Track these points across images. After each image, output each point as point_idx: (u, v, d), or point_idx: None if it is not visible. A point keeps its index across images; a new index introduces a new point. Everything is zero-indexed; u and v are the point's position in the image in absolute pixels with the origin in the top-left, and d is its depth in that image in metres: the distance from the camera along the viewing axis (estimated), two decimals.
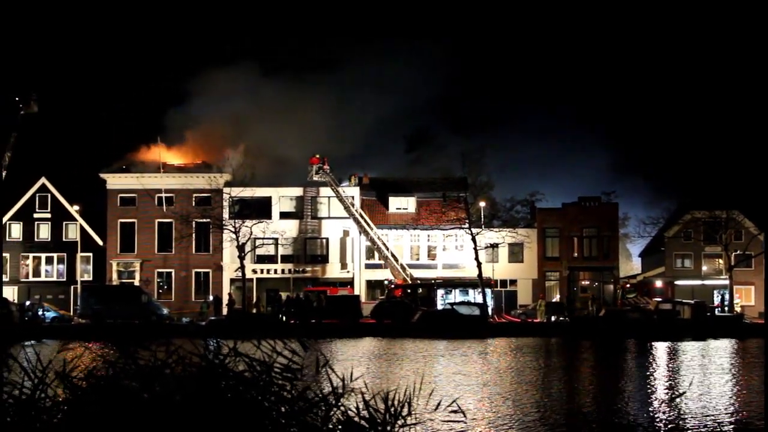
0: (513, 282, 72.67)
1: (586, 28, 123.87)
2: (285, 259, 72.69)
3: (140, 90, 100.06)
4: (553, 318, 63.85)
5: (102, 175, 73.20)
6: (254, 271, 70.83)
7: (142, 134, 77.21)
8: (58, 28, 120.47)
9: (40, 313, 61.66)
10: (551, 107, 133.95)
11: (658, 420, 23.22)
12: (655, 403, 26.56)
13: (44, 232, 73.05)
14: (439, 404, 8.16)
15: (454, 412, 7.97)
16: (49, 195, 72.96)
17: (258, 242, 69.41)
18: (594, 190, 77.27)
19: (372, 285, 72.36)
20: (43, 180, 72.96)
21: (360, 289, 70.69)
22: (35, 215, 72.89)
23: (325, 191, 72.13)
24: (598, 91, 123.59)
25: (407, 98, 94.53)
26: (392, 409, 6.45)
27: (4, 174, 67.55)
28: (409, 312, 59.52)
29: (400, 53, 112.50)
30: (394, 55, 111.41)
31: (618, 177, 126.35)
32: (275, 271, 72.40)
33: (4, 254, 72.27)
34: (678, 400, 26.19)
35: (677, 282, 72.03)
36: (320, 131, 77.00)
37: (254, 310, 64.88)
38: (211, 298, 68.78)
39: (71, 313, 66.47)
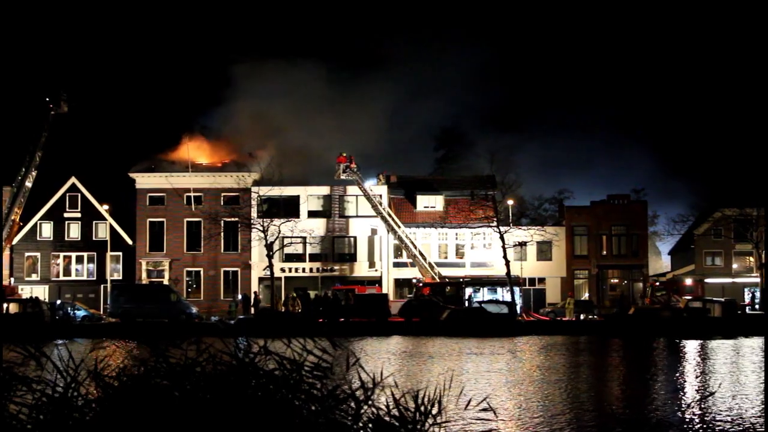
0: (541, 280, 72.47)
1: (611, 26, 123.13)
2: (313, 257, 72.85)
3: (173, 89, 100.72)
4: (581, 316, 63.60)
5: (131, 175, 73.67)
6: (282, 270, 71.02)
7: (172, 134, 77.64)
8: (88, 29, 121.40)
9: (70, 312, 62.08)
10: (579, 105, 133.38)
11: (687, 419, 23.06)
12: (685, 403, 26.36)
13: (74, 231, 73.62)
14: (469, 403, 8.14)
15: (485, 410, 7.94)
16: (79, 194, 73.53)
17: (286, 241, 69.51)
18: (623, 188, 76.94)
19: (400, 283, 72.40)
20: (73, 180, 73.57)
21: (388, 288, 70.72)
22: (65, 215, 73.48)
23: (352, 190, 72.17)
24: (628, 89, 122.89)
25: (438, 97, 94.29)
26: (422, 408, 6.44)
27: (34, 174, 68.11)
28: (438, 310, 59.40)
29: (431, 52, 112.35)
30: (425, 53, 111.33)
31: (647, 175, 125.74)
32: (303, 270, 72.57)
33: (35, 254, 73.04)
34: (708, 399, 25.98)
35: (707, 280, 71.52)
36: (351, 130, 76.90)
37: (283, 308, 64.98)
38: (239, 296, 69.03)
39: (101, 312, 66.89)
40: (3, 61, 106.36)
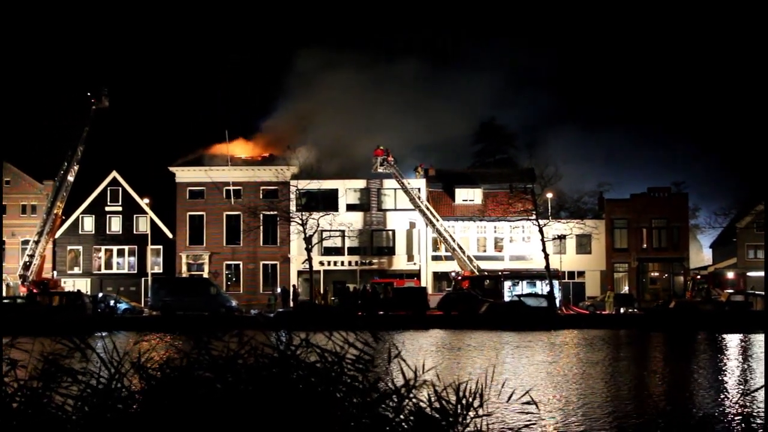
0: (581, 273, 72.09)
1: (648, 17, 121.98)
2: (352, 251, 72.97)
3: (212, 83, 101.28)
4: (621, 310, 63.18)
5: (171, 169, 74.21)
6: (321, 264, 71.20)
7: (212, 128, 78.03)
8: (130, 23, 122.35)
9: (112, 304, 62.64)
10: (619, 97, 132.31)
11: (731, 414, 22.82)
12: (729, 397, 26.09)
13: (115, 225, 74.34)
14: (511, 396, 8.10)
15: (527, 403, 7.90)
16: (120, 188, 74.22)
17: (325, 234, 69.63)
18: (663, 181, 76.23)
19: (438, 277, 72.37)
20: (114, 174, 74.27)
21: (426, 281, 70.70)
22: (107, 208, 74.22)
23: (390, 183, 72.15)
24: (669, 81, 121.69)
25: (477, 90, 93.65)
26: (464, 401, 6.42)
27: (76, 168, 68.86)
28: (477, 304, 59.31)
29: (476, 47, 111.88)
30: (463, 47, 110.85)
31: (688, 167, 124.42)
32: (342, 263, 72.72)
33: (77, 247, 73.85)
34: (752, 394, 25.69)
35: (749, 273, 70.71)
36: (388, 123, 76.74)
37: (322, 302, 65.17)
38: (279, 290, 69.30)
39: (142, 305, 67.48)
40: (46, 58, 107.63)
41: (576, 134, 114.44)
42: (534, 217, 65.21)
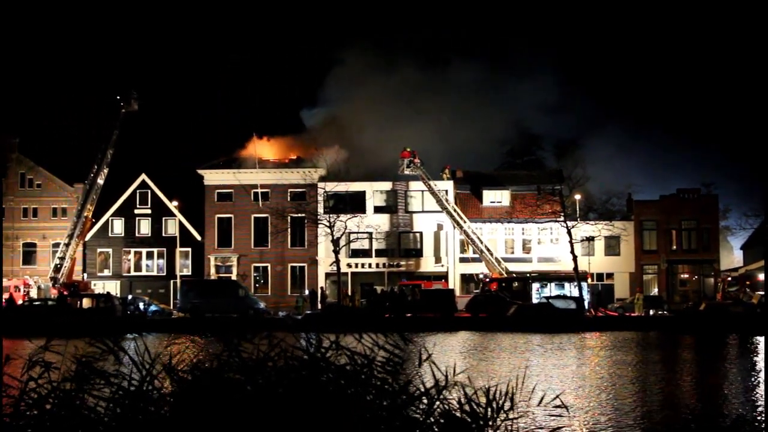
0: (610, 275, 71.74)
1: (678, 18, 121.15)
2: (379, 253, 72.99)
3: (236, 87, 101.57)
4: (651, 312, 62.77)
5: (199, 171, 74.55)
6: (349, 266, 71.27)
7: (240, 130, 78.31)
8: (159, 27, 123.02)
9: (141, 307, 62.98)
10: (647, 98, 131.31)
11: (764, 416, 22.59)
12: (762, 400, 25.85)
13: (144, 227, 74.80)
14: (542, 399, 8.08)
15: (558, 407, 7.87)
16: (149, 191, 74.66)
17: (352, 236, 69.69)
18: (693, 182, 75.68)
19: (466, 279, 72.25)
20: (143, 177, 74.74)
21: (454, 283, 70.59)
22: (136, 211, 74.69)
23: (417, 185, 72.08)
24: (694, 81, 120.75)
25: (505, 93, 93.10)
26: (494, 403, 6.41)
27: (106, 171, 69.42)
28: (505, 306, 59.16)
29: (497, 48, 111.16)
30: (490, 50, 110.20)
31: (718, 168, 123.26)
32: (370, 266, 72.77)
33: (107, 249, 74.38)
34: None
35: None
36: (416, 125, 76.48)
37: (350, 304, 65.22)
38: (307, 292, 69.43)
39: (171, 307, 67.81)
40: (75, 62, 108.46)
41: (606, 136, 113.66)
42: (562, 218, 64.97)
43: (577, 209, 68.97)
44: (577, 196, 68.81)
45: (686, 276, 72.90)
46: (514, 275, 67.47)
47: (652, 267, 72.25)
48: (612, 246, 71.52)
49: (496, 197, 74.38)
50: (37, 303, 60.74)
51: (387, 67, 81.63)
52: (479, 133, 78.41)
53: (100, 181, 69.25)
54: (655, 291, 70.57)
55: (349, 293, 68.77)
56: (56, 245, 70.90)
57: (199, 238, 73.83)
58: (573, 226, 64.41)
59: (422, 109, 78.79)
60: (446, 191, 71.59)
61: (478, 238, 69.49)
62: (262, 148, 75.82)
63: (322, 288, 69.44)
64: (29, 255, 74.53)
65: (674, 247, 71.97)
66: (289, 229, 72.47)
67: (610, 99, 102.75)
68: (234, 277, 71.79)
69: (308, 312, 61.21)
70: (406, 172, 70.99)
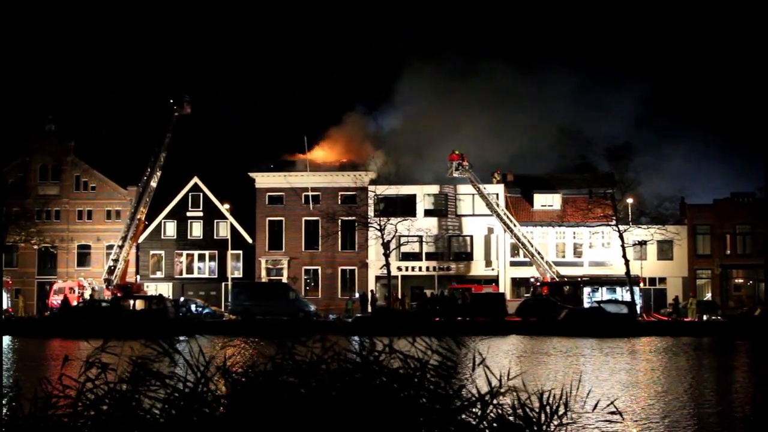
0: (662, 280, 70.96)
1: (730, 19, 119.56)
2: (429, 256, 72.88)
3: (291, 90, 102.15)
4: (704, 317, 61.94)
5: (251, 174, 75.03)
6: (399, 269, 71.28)
7: (292, 134, 78.61)
8: (213, 30, 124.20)
9: (194, 309, 63.41)
10: (703, 101, 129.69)
11: None
12: None
13: (196, 230, 75.46)
14: (597, 405, 8.01)
15: (613, 413, 7.79)
16: (201, 194, 75.34)
17: (403, 240, 69.67)
18: (747, 186, 74.48)
19: (517, 283, 71.87)
20: (195, 179, 75.42)
21: (505, 287, 70.28)
22: (188, 214, 75.39)
23: (466, 188, 71.85)
24: (749, 85, 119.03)
25: (560, 94, 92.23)
26: (548, 408, 6.36)
27: (159, 174, 70.21)
28: (555, 310, 58.75)
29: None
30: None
31: None
32: (420, 269, 72.71)
33: (159, 252, 75.20)
34: None
35: None
36: (473, 129, 75.94)
37: (399, 307, 65.18)
38: (357, 295, 69.50)
39: (222, 309, 68.28)
40: (129, 66, 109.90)
41: (658, 139, 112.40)
42: (614, 222, 64.37)
43: (629, 213, 68.26)
44: (629, 200, 68.10)
45: (740, 281, 71.88)
46: (566, 279, 67.03)
47: (705, 272, 71.33)
48: (665, 250, 70.72)
49: (547, 201, 73.93)
50: (100, 303, 61.08)
51: (465, 74, 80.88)
52: (530, 138, 77.73)
53: (153, 183, 70.07)
54: (708, 296, 69.65)
55: (399, 296, 68.78)
56: (110, 247, 71.81)
57: (250, 240, 74.29)
58: (625, 231, 63.78)
59: (503, 117, 77.46)
60: (497, 194, 71.30)
61: (529, 241, 69.12)
62: (314, 151, 76.04)
63: (372, 291, 69.49)
64: (84, 257, 75.60)
65: (728, 251, 70.97)
66: (339, 232, 72.64)
67: (662, 102, 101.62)
68: (285, 279, 72.13)
69: (358, 315, 61.31)
70: (455, 174, 70.81)
